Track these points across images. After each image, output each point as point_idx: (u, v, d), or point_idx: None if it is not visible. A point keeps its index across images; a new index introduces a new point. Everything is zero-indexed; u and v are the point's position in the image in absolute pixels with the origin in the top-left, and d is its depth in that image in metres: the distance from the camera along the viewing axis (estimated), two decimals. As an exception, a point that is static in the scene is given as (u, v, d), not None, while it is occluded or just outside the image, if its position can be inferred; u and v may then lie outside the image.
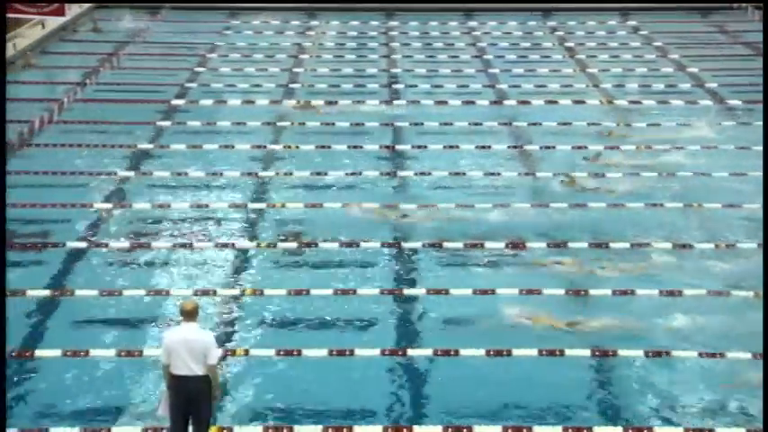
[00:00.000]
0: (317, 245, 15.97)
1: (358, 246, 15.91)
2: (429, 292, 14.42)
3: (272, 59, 28.28)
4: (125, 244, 16.00)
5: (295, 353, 12.69)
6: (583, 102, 24.10)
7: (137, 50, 29.20)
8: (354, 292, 14.40)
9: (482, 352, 12.68)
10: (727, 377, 12.22)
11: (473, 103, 24.00)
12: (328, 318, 13.76)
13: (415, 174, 19.25)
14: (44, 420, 11.27)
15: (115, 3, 34.29)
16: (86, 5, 33.40)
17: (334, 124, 22.22)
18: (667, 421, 11.35)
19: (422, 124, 22.25)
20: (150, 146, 20.82)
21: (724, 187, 18.34)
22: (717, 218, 17.15)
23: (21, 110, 22.41)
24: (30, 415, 11.38)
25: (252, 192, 18.42)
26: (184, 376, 10.17)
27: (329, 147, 20.66)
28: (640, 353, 12.67)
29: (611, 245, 15.93)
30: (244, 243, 16.09)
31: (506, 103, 24.10)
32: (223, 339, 12.88)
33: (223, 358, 12.14)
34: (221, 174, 19.14)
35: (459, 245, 15.95)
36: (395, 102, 24.13)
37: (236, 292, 14.46)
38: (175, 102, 23.93)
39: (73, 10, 31.57)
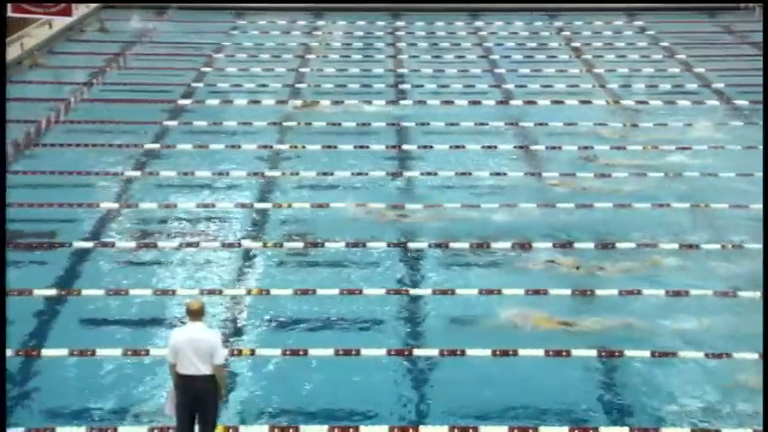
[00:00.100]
0: (323, 245, 15.97)
1: (364, 246, 15.91)
2: (435, 293, 14.42)
3: (278, 59, 28.30)
4: (131, 243, 16.03)
5: (301, 353, 12.70)
6: (589, 102, 24.08)
7: (143, 50, 29.25)
8: (360, 292, 14.40)
9: (488, 352, 12.67)
10: (733, 378, 12.19)
11: (479, 103, 24.00)
12: (334, 318, 13.77)
13: (422, 174, 19.25)
14: (51, 420, 11.28)
15: (122, 3, 34.36)
16: (93, 6, 33.46)
17: (340, 124, 22.23)
18: (673, 422, 11.32)
19: (428, 124, 22.25)
20: (156, 146, 20.85)
21: (731, 187, 18.32)
22: (723, 218, 17.13)
23: (28, 109, 22.46)
24: (36, 414, 11.40)
25: (258, 191, 18.43)
26: (191, 376, 10.18)
27: (335, 147, 20.67)
28: (647, 353, 12.65)
29: (618, 245, 15.92)
30: (250, 243, 16.10)
31: (512, 103, 24.09)
32: (229, 339, 12.90)
33: (229, 357, 12.15)
34: (227, 173, 19.15)
35: (465, 245, 15.95)
36: (401, 102, 24.13)
37: (242, 291, 14.47)
38: (182, 102, 23.96)
39: (80, 10, 31.64)
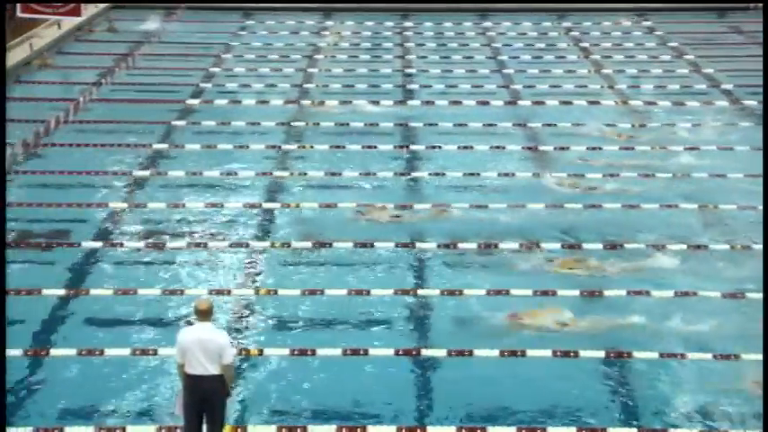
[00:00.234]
0: (330, 245, 15.99)
1: (372, 246, 15.92)
2: (442, 293, 14.42)
3: (286, 59, 28.33)
4: (140, 243, 16.06)
5: (308, 352, 12.71)
6: (597, 102, 24.06)
7: (152, 50, 29.30)
8: (368, 292, 14.40)
9: (496, 353, 12.67)
10: (740, 380, 12.17)
11: (487, 103, 23.98)
12: (342, 318, 13.78)
13: (429, 174, 19.25)
14: (59, 419, 11.30)
15: (131, 3, 34.43)
16: (102, 6, 33.52)
17: (348, 124, 22.24)
18: (680, 424, 11.31)
19: (436, 125, 22.25)
20: (165, 145, 20.89)
21: (739, 188, 18.29)
22: (732, 219, 17.10)
23: (36, 109, 22.52)
24: (45, 414, 11.42)
25: (266, 191, 18.46)
26: (199, 375, 10.19)
27: (343, 147, 20.69)
28: (654, 355, 12.64)
29: (626, 246, 15.90)
30: (258, 243, 16.12)
31: (521, 103, 24.08)
32: (237, 339, 12.92)
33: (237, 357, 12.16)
34: (236, 173, 19.17)
35: (473, 245, 15.95)
36: (409, 102, 24.13)
37: (250, 291, 14.50)
38: (190, 102, 23.99)
39: (89, 10, 31.71)
